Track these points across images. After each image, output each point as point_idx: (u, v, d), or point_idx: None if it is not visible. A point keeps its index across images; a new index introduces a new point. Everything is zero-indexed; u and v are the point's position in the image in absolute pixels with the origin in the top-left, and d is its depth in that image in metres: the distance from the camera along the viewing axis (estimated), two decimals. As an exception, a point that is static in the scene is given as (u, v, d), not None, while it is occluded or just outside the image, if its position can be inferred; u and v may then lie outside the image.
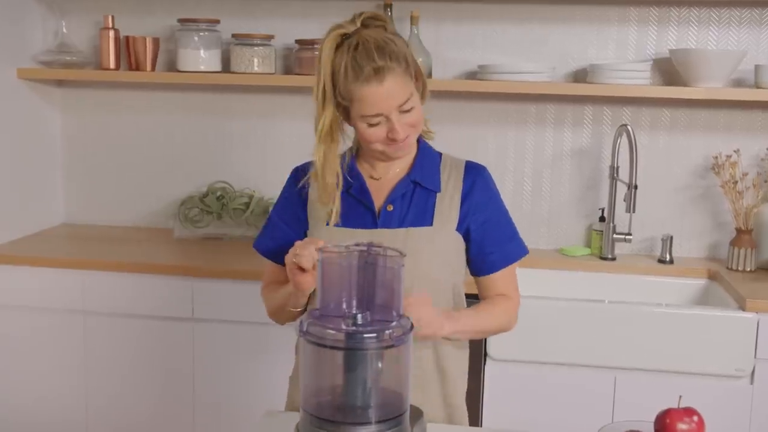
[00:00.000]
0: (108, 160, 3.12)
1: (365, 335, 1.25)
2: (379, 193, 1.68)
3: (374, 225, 1.66)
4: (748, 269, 2.72)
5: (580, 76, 2.91)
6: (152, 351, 2.62)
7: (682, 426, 1.33)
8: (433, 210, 1.66)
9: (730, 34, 2.82)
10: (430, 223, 1.65)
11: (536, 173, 2.99)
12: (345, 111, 1.60)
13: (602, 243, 2.86)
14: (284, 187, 1.77)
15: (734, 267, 2.73)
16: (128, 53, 2.88)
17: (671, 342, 2.41)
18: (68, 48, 2.93)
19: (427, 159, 1.70)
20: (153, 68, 2.91)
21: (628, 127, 2.70)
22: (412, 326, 1.30)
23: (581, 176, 2.97)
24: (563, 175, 2.98)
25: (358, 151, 1.71)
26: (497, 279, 1.71)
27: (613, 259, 2.84)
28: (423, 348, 1.65)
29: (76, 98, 3.11)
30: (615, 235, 2.82)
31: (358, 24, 1.55)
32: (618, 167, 2.82)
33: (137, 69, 2.88)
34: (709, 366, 2.41)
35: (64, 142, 3.13)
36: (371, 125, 1.58)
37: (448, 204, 1.66)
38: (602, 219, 2.89)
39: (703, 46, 2.84)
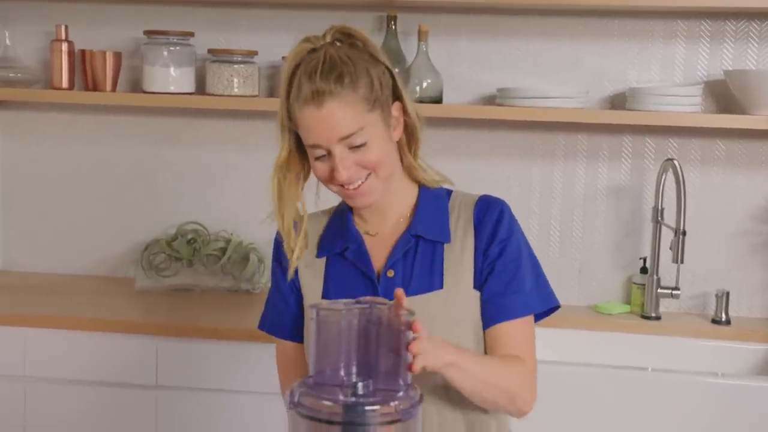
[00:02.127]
0: (56, 196, 3.19)
1: (367, 407, 1.26)
2: (378, 254, 1.68)
3: (373, 294, 1.65)
4: None
5: (617, 101, 3.01)
6: (107, 425, 2.63)
7: None
8: (442, 267, 1.65)
9: None
10: (440, 286, 1.64)
11: (566, 215, 3.06)
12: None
13: (644, 299, 2.93)
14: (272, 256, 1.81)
15: None
16: (84, 70, 2.97)
17: (728, 418, 2.45)
18: (12, 62, 3.02)
19: (429, 202, 1.70)
20: (114, 88, 2.99)
21: (675, 162, 2.78)
22: (421, 398, 1.31)
23: (619, 219, 3.05)
24: (597, 218, 3.06)
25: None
26: (503, 334, 1.65)
27: (658, 318, 2.91)
28: (452, 412, 1.64)
29: (19, 122, 3.18)
30: (660, 290, 2.88)
31: (327, 38, 1.58)
32: (663, 209, 2.90)
33: (95, 89, 2.97)
34: None
35: (3, 174, 3.19)
36: (316, 158, 1.59)
37: (459, 255, 1.65)
38: (644, 270, 2.97)
39: (765, 66, 2.92)
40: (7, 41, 3.01)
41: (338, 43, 1.58)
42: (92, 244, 3.19)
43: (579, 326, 2.88)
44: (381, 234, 1.69)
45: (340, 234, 1.70)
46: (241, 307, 2.86)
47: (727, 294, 2.90)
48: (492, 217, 1.68)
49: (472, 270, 1.64)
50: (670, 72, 2.99)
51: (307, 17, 3.01)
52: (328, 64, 1.53)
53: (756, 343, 2.84)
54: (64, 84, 2.96)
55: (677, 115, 2.82)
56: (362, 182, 1.58)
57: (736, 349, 2.86)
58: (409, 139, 1.67)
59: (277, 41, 2.99)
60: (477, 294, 1.64)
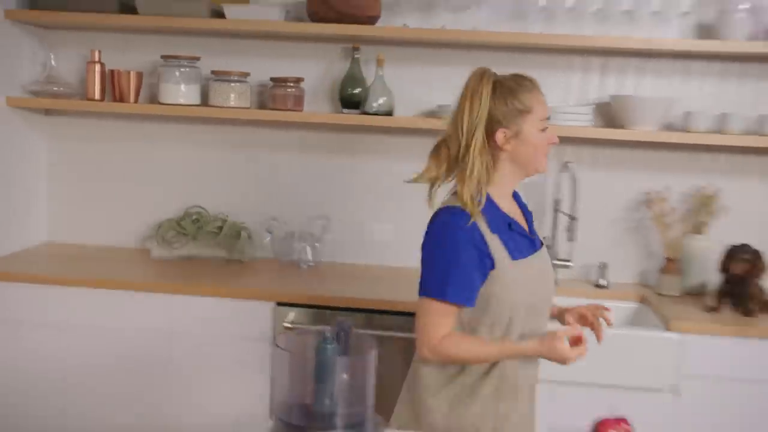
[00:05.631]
0: (90, 185, 3.22)
1: None
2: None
3: (534, 248, 1.84)
4: (675, 294, 2.89)
5: None
6: (126, 364, 2.69)
7: None
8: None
9: (661, 82, 2.97)
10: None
11: None
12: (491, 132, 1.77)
13: None
14: (457, 234, 1.73)
15: (662, 292, 2.90)
16: (113, 85, 2.98)
17: (605, 359, 2.45)
18: (56, 79, 3.04)
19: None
20: (136, 100, 3.00)
21: (571, 165, 2.84)
22: (383, 423, 1.37)
23: (530, 207, 3.04)
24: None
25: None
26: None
27: (556, 283, 2.92)
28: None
29: (62, 126, 3.20)
30: (557, 262, 2.95)
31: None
32: (560, 200, 2.96)
33: (121, 100, 2.97)
34: (638, 381, 2.52)
35: (50, 167, 3.22)
36: (542, 130, 1.79)
37: None
38: (548, 247, 2.94)
39: (639, 92, 2.97)
40: (53, 62, 3.04)
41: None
42: (117, 222, 3.21)
43: None
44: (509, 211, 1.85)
45: (500, 216, 1.79)
46: (234, 272, 2.89)
47: (606, 265, 2.98)
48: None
49: None
50: (568, 95, 3.02)
51: (289, 47, 3.04)
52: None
53: (628, 301, 2.92)
54: (97, 96, 2.98)
55: (573, 129, 2.85)
56: None
57: (612, 307, 2.78)
58: None
59: (266, 65, 3.02)
60: None
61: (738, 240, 2.77)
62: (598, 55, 2.99)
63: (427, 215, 1.81)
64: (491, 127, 1.76)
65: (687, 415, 2.54)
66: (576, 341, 1.72)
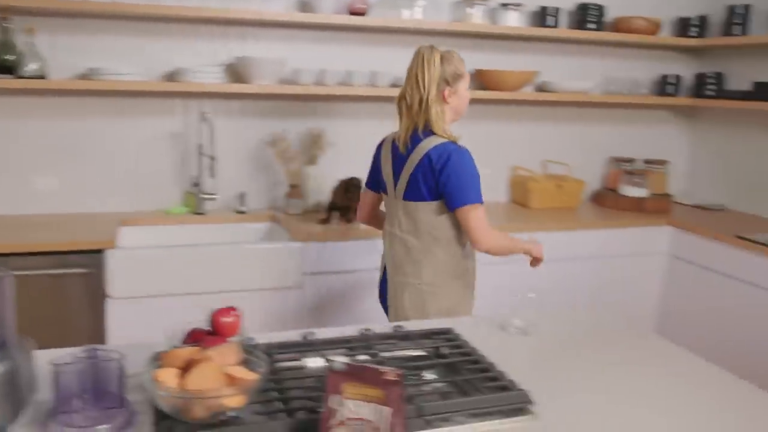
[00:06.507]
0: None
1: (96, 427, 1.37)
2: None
3: None
4: (298, 213, 3.51)
5: (171, 77, 3.37)
6: None
7: (225, 318, 1.64)
8: None
9: (276, 46, 3.48)
10: None
11: (143, 152, 3.41)
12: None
13: (195, 202, 3.43)
14: (468, 156, 2.39)
15: (288, 212, 3.50)
16: None
17: (247, 268, 2.99)
18: None
19: None
20: None
21: (207, 115, 3.28)
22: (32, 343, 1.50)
23: (177, 153, 3.47)
24: (163, 153, 3.45)
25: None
26: None
27: (203, 213, 3.41)
28: None
29: None
30: (203, 196, 3.41)
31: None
32: (202, 145, 3.39)
33: None
34: (273, 282, 3.04)
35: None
36: (467, 90, 2.47)
37: None
38: (195, 185, 3.44)
39: (259, 54, 3.44)
40: None
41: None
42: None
43: (155, 223, 3.28)
44: None
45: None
46: None
47: (244, 195, 3.47)
48: None
49: None
50: (203, 57, 3.39)
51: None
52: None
53: (263, 222, 3.45)
54: None
55: (208, 85, 3.22)
56: None
57: (251, 228, 3.44)
58: None
59: None
60: None
61: (340, 165, 3.49)
62: (222, 24, 3.41)
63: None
64: (441, 86, 2.40)
65: (310, 303, 3.15)
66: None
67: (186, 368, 1.44)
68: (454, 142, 2.39)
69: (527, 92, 3.94)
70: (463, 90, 2.46)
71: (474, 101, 3.89)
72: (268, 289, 3.10)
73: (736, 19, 4.06)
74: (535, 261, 2.61)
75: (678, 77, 4.31)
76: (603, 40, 4.06)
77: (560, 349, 1.98)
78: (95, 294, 2.90)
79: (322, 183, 3.60)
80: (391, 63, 3.72)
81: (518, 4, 3.78)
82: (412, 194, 2.44)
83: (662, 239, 3.88)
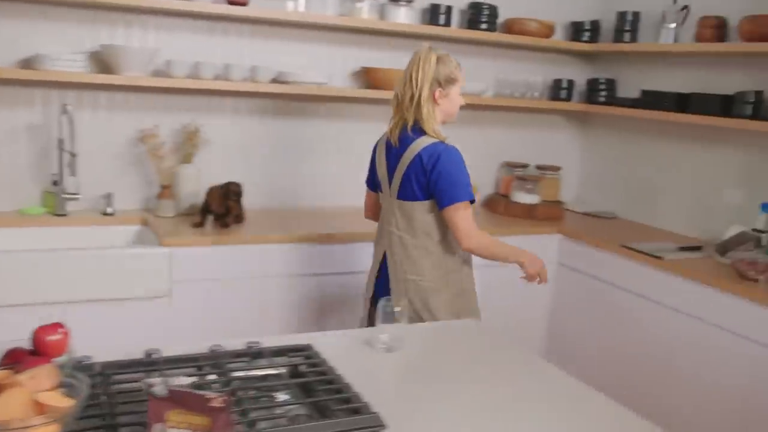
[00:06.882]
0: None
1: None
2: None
3: None
4: (170, 215, 3.34)
5: (29, 64, 3.13)
6: None
7: (51, 336, 1.50)
8: None
9: (147, 35, 3.33)
10: None
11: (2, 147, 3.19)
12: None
13: (56, 202, 3.21)
14: (459, 155, 2.50)
15: (160, 214, 3.34)
16: None
17: (111, 276, 2.83)
18: None
19: None
20: None
21: (68, 107, 3.09)
22: None
23: (35, 148, 3.25)
24: (20, 148, 3.23)
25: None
26: None
27: (65, 215, 3.20)
28: None
29: None
30: (65, 196, 3.20)
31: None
32: (63, 140, 3.18)
33: None
34: (138, 290, 2.89)
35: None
36: (459, 95, 2.55)
37: None
38: (55, 183, 3.21)
39: (128, 43, 3.28)
40: None
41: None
42: None
43: (9, 225, 3.06)
44: None
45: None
46: None
47: (112, 195, 3.29)
48: None
49: None
50: (65, 44, 3.17)
51: None
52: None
53: (131, 225, 3.30)
54: None
55: (69, 74, 3.03)
56: None
57: (119, 231, 3.24)
58: None
59: None
60: None
61: (216, 164, 3.35)
62: (90, 8, 3.21)
63: None
64: (433, 86, 2.48)
65: (179, 314, 2.99)
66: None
67: (-10, 396, 1.28)
68: (443, 142, 2.51)
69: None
70: (455, 95, 2.56)
71: (360, 101, 3.77)
72: (133, 298, 2.93)
73: (626, 26, 4.06)
74: (530, 277, 2.63)
75: (571, 82, 4.29)
76: (495, 41, 4.00)
77: (424, 367, 1.88)
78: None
79: (197, 183, 3.41)
80: (274, 57, 3.59)
81: (409, 1, 3.67)
82: (405, 194, 2.56)
83: (552, 247, 3.85)
